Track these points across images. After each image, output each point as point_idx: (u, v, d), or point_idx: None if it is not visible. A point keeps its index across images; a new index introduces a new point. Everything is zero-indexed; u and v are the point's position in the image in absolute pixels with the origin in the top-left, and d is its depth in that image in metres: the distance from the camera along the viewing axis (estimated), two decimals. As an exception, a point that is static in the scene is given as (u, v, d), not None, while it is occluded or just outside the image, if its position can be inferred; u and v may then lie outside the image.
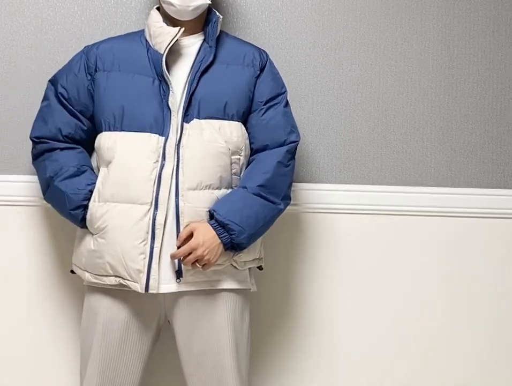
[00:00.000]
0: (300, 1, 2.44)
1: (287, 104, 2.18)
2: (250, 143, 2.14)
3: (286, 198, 2.13)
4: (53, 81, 2.16)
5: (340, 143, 2.46)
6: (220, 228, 2.00)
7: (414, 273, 2.48)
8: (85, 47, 2.16)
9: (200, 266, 2.00)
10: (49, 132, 2.11)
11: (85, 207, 2.04)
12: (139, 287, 1.99)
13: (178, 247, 2.00)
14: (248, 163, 2.13)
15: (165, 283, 2.02)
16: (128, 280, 2.00)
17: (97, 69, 2.10)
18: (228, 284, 2.06)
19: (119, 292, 2.04)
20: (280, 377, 2.47)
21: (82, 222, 2.06)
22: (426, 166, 2.48)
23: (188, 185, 2.01)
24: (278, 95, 2.16)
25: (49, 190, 2.10)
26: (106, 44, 2.14)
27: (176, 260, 2.00)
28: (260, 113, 2.13)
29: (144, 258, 1.99)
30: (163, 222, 2.00)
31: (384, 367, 2.49)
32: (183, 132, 2.04)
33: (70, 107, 2.11)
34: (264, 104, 2.13)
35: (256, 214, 2.05)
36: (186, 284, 2.02)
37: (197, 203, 2.01)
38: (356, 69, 2.45)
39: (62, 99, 2.12)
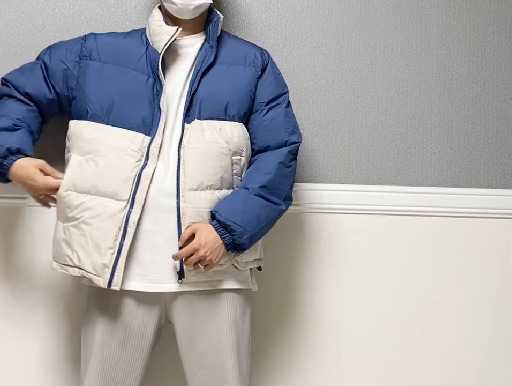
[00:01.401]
0: (300, 1, 2.44)
1: (289, 104, 2.18)
2: (252, 143, 2.13)
3: (288, 199, 2.13)
4: (49, 47, 2.18)
5: (340, 143, 2.46)
6: (222, 229, 2.00)
7: (414, 272, 2.48)
8: (89, 33, 2.17)
9: (202, 267, 1.99)
10: (16, 82, 2.13)
11: (0, 165, 2.03)
12: (101, 282, 1.97)
13: (180, 248, 1.99)
14: (250, 164, 2.13)
15: (166, 283, 2.02)
16: (91, 273, 1.98)
17: (91, 58, 2.10)
18: (229, 284, 2.06)
19: (120, 293, 2.03)
20: (281, 376, 2.47)
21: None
22: (426, 167, 2.48)
23: (189, 185, 2.01)
24: (280, 95, 2.16)
25: None
26: (107, 37, 2.15)
27: (178, 261, 2.00)
28: (261, 114, 2.13)
29: (112, 253, 1.98)
30: (136, 221, 1.99)
31: (385, 366, 2.49)
32: (184, 133, 2.04)
33: (46, 75, 2.13)
34: (265, 105, 2.13)
35: (258, 215, 2.04)
36: (187, 285, 2.02)
37: (199, 204, 2.01)
38: (356, 69, 2.45)
39: (43, 65, 2.14)
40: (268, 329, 2.45)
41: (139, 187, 2.00)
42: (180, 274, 2.00)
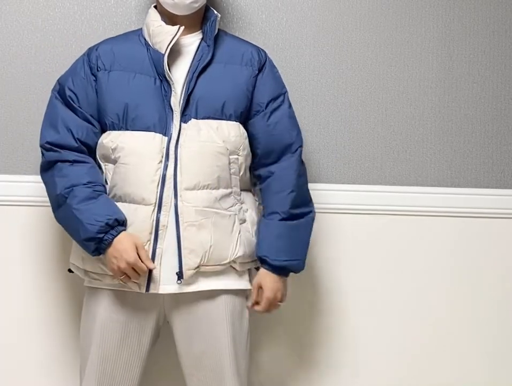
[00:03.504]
0: (300, 1, 2.43)
1: (290, 104, 2.17)
2: (256, 148, 2.13)
3: (311, 201, 2.18)
4: (58, 87, 2.11)
5: (340, 143, 2.46)
6: (280, 271, 2.08)
7: (414, 272, 2.48)
8: (86, 50, 2.14)
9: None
10: (60, 138, 2.04)
11: (100, 241, 1.95)
12: (139, 287, 2.00)
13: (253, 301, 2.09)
14: (249, 165, 2.13)
15: (165, 284, 2.01)
16: None
17: (98, 69, 2.08)
18: (227, 285, 2.06)
19: (118, 293, 2.04)
20: (279, 376, 2.47)
21: (94, 253, 1.97)
22: (426, 167, 2.48)
23: (186, 185, 2.01)
24: (280, 95, 2.15)
25: (61, 210, 2.02)
26: (106, 45, 2.13)
27: (177, 261, 1.99)
28: (264, 118, 2.12)
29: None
30: (166, 224, 2.00)
31: (387, 367, 2.49)
32: (181, 132, 2.04)
33: (81, 110, 2.06)
34: (266, 106, 2.12)
35: (306, 239, 2.15)
36: (185, 286, 2.02)
37: (196, 202, 2.01)
38: (356, 69, 2.45)
39: (72, 103, 2.07)
40: (267, 329, 2.45)
41: (164, 189, 2.00)
42: (179, 275, 2.00)
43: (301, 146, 2.16)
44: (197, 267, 2.00)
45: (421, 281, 2.48)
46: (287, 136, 2.13)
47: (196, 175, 2.01)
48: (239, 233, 2.06)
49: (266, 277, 2.08)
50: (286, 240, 2.09)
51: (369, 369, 2.49)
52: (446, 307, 2.49)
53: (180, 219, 2.00)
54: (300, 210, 2.12)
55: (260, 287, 2.08)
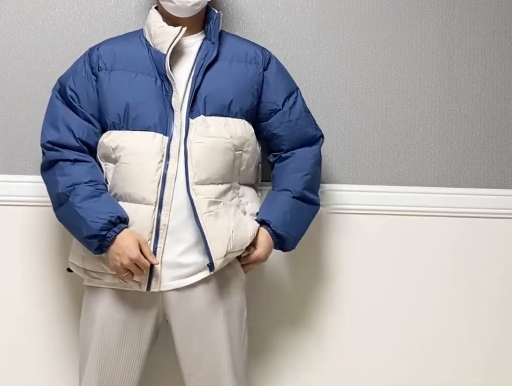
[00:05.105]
0: (300, 1, 2.43)
1: (303, 99, 2.22)
2: (281, 145, 2.18)
3: (317, 193, 2.23)
4: (58, 87, 2.12)
5: (340, 143, 2.46)
6: (277, 239, 2.12)
7: (414, 272, 2.48)
8: (87, 50, 2.15)
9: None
10: (60, 137, 2.04)
11: (103, 238, 1.96)
12: (140, 286, 2.00)
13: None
14: (258, 162, 2.18)
15: (166, 281, 2.02)
16: None
17: (99, 69, 2.09)
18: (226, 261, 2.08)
19: (118, 292, 2.04)
20: (279, 374, 2.47)
21: (96, 250, 1.98)
22: (426, 167, 2.48)
23: (197, 179, 2.02)
24: (293, 92, 2.20)
25: (63, 208, 2.02)
26: (107, 45, 2.14)
27: (206, 255, 2.00)
28: (285, 116, 2.16)
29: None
30: (167, 223, 2.00)
31: (387, 367, 2.49)
32: (189, 128, 2.04)
33: (82, 110, 2.07)
34: (283, 104, 2.16)
35: (307, 222, 2.20)
36: (186, 279, 2.03)
37: (208, 195, 2.02)
38: (356, 69, 2.45)
39: (73, 102, 2.07)
40: (271, 329, 2.45)
41: (165, 188, 2.00)
42: (211, 266, 2.00)
43: (322, 136, 2.23)
44: (226, 254, 2.01)
45: (421, 281, 2.48)
46: (310, 129, 2.20)
47: (206, 170, 2.03)
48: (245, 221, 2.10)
49: (263, 235, 2.11)
50: (292, 216, 2.14)
51: (369, 369, 2.49)
52: (446, 307, 2.49)
53: (197, 211, 2.00)
54: (311, 196, 2.18)
55: (253, 245, 2.10)
